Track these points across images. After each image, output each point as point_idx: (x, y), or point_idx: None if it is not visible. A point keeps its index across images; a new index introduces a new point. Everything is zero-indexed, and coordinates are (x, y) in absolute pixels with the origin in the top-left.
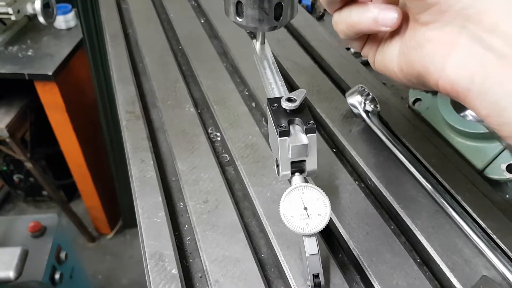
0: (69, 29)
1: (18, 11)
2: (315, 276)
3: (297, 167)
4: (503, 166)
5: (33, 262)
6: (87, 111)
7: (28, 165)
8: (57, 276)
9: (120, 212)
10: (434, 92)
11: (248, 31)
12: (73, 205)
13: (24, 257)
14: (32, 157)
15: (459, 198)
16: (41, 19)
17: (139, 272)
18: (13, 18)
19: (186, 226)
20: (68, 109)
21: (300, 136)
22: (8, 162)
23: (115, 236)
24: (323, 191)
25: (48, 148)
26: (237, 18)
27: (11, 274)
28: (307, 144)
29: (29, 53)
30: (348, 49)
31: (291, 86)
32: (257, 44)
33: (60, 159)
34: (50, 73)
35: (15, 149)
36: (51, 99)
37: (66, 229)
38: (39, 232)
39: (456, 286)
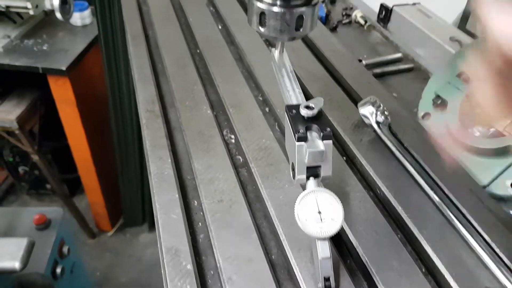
0: (84, 26)
1: (37, 6)
2: (326, 279)
3: (312, 172)
4: (508, 183)
5: (36, 255)
6: (96, 108)
7: (35, 157)
8: (58, 270)
9: (122, 210)
10: (443, 108)
11: (264, 39)
12: (76, 200)
13: (30, 249)
14: (39, 150)
15: (464, 211)
16: (58, 15)
17: (137, 270)
18: (31, 12)
19: (200, 223)
20: (79, 104)
21: (317, 142)
22: (14, 154)
23: (116, 233)
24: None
25: (55, 142)
26: (260, 28)
27: (16, 264)
28: (323, 151)
29: (44, 48)
30: (360, 60)
31: (304, 93)
32: (276, 53)
33: (66, 154)
34: (64, 68)
35: (23, 141)
36: (62, 93)
37: (70, 223)
38: (44, 224)
39: None
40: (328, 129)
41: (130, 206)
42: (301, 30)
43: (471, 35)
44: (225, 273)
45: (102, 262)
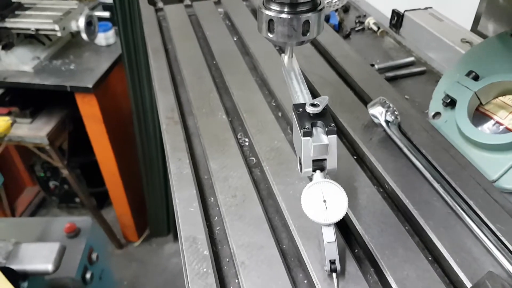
0: (108, 45)
1: (64, 28)
2: (332, 262)
3: (318, 165)
4: None
5: (67, 260)
6: (122, 123)
7: (65, 172)
8: (88, 275)
9: (147, 221)
10: (453, 106)
11: (277, 48)
12: (104, 212)
13: (62, 252)
14: (68, 165)
15: (471, 203)
16: (84, 35)
17: (163, 280)
18: (58, 34)
19: (216, 217)
20: (105, 120)
21: (321, 136)
22: (45, 169)
23: (142, 244)
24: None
25: (83, 157)
26: (269, 34)
27: (49, 267)
28: (327, 144)
29: (71, 67)
30: (372, 65)
31: (315, 97)
32: (286, 58)
33: (94, 168)
34: (90, 86)
35: (53, 156)
36: (89, 110)
37: (98, 232)
38: (74, 233)
39: (462, 280)
40: (332, 124)
41: (156, 217)
42: (308, 34)
43: (483, 36)
44: (239, 258)
45: (129, 272)
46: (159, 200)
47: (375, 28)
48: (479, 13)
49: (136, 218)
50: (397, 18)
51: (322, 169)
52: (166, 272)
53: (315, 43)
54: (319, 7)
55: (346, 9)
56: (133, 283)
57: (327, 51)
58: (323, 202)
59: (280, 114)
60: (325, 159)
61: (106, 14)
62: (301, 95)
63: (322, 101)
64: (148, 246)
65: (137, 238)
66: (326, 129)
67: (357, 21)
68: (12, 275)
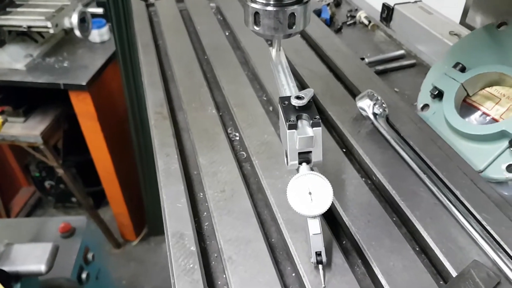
0: (102, 42)
1: (56, 25)
2: (318, 254)
3: (304, 157)
4: (503, 166)
5: (62, 261)
6: (117, 121)
7: (60, 171)
8: (84, 275)
9: (145, 219)
10: (440, 98)
11: (269, 43)
12: (101, 212)
13: (55, 253)
14: (63, 164)
15: (458, 193)
16: (77, 32)
17: (162, 279)
18: (51, 31)
19: (205, 213)
20: (100, 118)
21: (306, 129)
22: (40, 169)
23: (140, 243)
24: (331, 184)
25: (78, 156)
26: (255, 27)
27: (42, 267)
28: (312, 136)
29: (65, 65)
30: (362, 59)
31: None
32: (273, 51)
33: (89, 167)
34: (84, 83)
35: (48, 155)
36: (84, 108)
37: (94, 231)
38: (69, 232)
39: (448, 269)
40: (317, 116)
41: (154, 215)
42: (294, 27)
43: (471, 28)
44: (226, 253)
45: (128, 271)
46: (157, 197)
47: (366, 22)
48: (467, 5)
49: (133, 217)
50: (388, 12)
51: (308, 161)
52: (165, 270)
53: (306, 37)
54: (305, 0)
55: (337, 3)
56: (132, 282)
57: (318, 45)
58: (308, 195)
59: (271, 108)
60: (310, 152)
61: (100, 10)
62: (288, 88)
63: (307, 93)
64: (146, 245)
65: (135, 237)
66: (311, 121)
67: (348, 15)
68: (3, 277)
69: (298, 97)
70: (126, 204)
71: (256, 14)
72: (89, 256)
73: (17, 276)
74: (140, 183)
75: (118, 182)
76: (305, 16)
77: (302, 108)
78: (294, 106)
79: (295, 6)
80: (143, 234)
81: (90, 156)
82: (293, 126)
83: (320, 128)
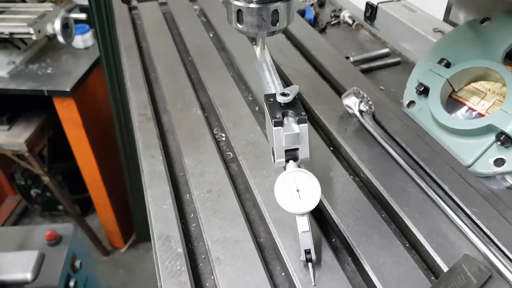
0: (86, 48)
1: (39, 31)
2: (307, 252)
3: (291, 155)
4: (491, 161)
5: (49, 269)
6: (103, 127)
7: (46, 179)
8: (71, 283)
9: (133, 226)
10: (426, 94)
11: (254, 43)
12: (88, 219)
13: (41, 260)
14: (49, 171)
15: (446, 188)
16: (60, 38)
17: (151, 286)
18: (34, 38)
19: (192, 215)
20: (85, 125)
21: (293, 126)
22: (26, 177)
23: (129, 250)
24: (319, 182)
25: (64, 163)
26: (238, 25)
27: (28, 276)
28: (299, 133)
29: (49, 71)
30: (347, 58)
31: None
32: (257, 49)
33: (75, 175)
34: (68, 90)
35: (34, 163)
36: (68, 114)
37: (81, 239)
38: (55, 240)
39: (439, 264)
40: (303, 113)
41: (142, 221)
42: (278, 24)
43: (455, 25)
44: (214, 254)
45: (116, 279)
46: (144, 204)
47: (350, 22)
48: (450, 3)
49: (121, 224)
50: (371, 11)
51: (295, 159)
52: (154, 277)
53: (290, 38)
54: None
55: (321, 3)
56: None
57: (303, 45)
58: (296, 192)
59: (257, 108)
60: (297, 149)
61: (83, 16)
62: (273, 86)
63: (293, 90)
64: (135, 252)
65: (123, 244)
66: (297, 118)
67: (332, 15)
68: None
69: (283, 94)
70: (114, 211)
71: (239, 11)
72: (77, 264)
73: (2, 285)
74: (127, 189)
75: (105, 188)
76: (288, 13)
77: (288, 105)
78: (280, 103)
79: (278, 3)
80: (131, 241)
81: (76, 163)
82: (279, 123)
83: (306, 124)
